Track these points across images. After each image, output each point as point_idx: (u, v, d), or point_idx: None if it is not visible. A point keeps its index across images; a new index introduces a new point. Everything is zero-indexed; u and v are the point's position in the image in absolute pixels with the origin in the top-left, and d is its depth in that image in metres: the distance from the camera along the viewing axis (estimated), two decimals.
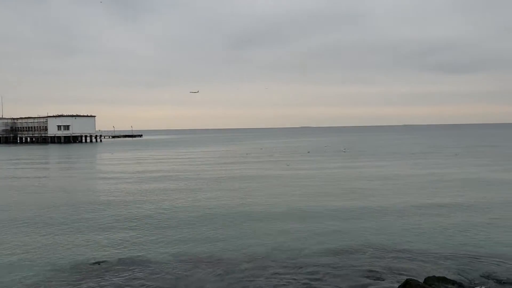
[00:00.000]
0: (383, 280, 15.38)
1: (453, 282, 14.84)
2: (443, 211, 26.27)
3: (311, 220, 24.45)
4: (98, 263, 17.63)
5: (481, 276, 15.58)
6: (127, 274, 16.38)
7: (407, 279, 13.64)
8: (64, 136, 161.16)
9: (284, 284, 15.25)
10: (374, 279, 15.47)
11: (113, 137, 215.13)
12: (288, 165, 57.85)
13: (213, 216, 25.84)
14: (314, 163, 61.30)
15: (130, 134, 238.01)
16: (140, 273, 16.52)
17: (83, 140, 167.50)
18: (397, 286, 13.70)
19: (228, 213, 26.76)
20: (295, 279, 15.71)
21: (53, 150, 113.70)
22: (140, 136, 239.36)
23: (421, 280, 14.61)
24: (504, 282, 14.94)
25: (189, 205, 29.65)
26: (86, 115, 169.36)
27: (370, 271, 16.31)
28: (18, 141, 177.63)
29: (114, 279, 15.89)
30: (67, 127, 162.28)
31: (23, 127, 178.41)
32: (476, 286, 14.54)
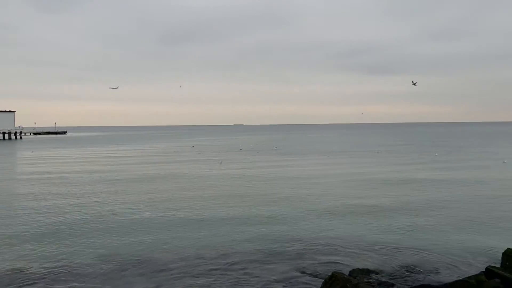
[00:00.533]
0: (310, 274, 15.87)
1: (376, 272, 15.67)
2: (366, 208, 27.53)
3: (239, 220, 24.54)
4: (20, 271, 16.59)
5: (401, 265, 16.55)
6: (51, 279, 15.59)
7: (333, 272, 14.14)
8: None
9: (213, 281, 15.28)
10: (301, 273, 15.92)
11: (35, 133, 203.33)
12: (220, 162, 57.84)
13: (135, 219, 25.06)
14: (246, 161, 61.72)
15: (53, 131, 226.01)
16: (65, 278, 15.80)
17: (1, 137, 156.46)
18: (324, 279, 14.16)
19: (152, 216, 26.22)
20: (224, 275, 15.79)
21: None
22: (65, 133, 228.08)
23: (347, 273, 15.26)
24: (420, 271, 15.98)
25: (110, 208, 28.67)
26: (4, 110, 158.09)
27: (297, 265, 16.75)
28: None
29: (39, 285, 15.06)
30: None
31: None
32: (395, 275, 15.43)
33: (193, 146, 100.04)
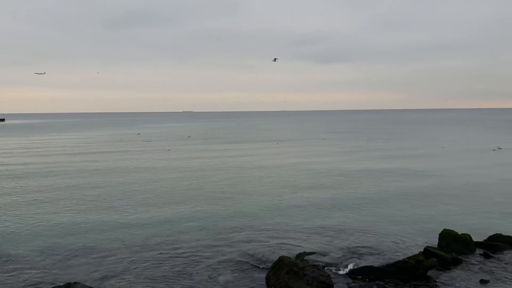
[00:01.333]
0: (258, 259, 16.00)
1: (322, 255, 16.08)
2: (311, 193, 28.14)
3: (186, 208, 24.38)
4: None
5: (346, 248, 17.05)
6: None
7: (280, 256, 14.36)
8: None
9: (160, 268, 15.12)
10: (249, 259, 16.04)
11: None
12: (168, 150, 57.03)
13: (79, 211, 24.32)
14: (194, 149, 61.21)
15: None
16: (4, 271, 15.07)
17: None
18: (271, 264, 14.34)
19: (97, 208, 25.59)
20: (171, 262, 15.66)
21: None
22: (2, 120, 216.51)
23: (294, 257, 15.54)
24: (363, 253, 16.53)
25: (52, 197, 27.70)
26: None
27: (246, 251, 16.88)
28: None
29: None
30: None
31: None
32: (340, 257, 15.88)
33: (138, 134, 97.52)
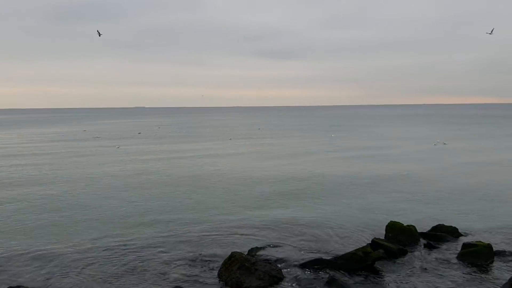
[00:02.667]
0: (210, 255, 15.98)
1: (274, 249, 16.24)
2: (262, 188, 28.38)
3: (135, 207, 23.88)
4: None
5: (297, 241, 17.32)
6: None
7: (232, 252, 14.38)
8: None
9: (109, 267, 14.79)
10: (201, 255, 15.98)
11: None
12: (118, 147, 55.74)
13: (23, 212, 23.35)
14: (145, 146, 60.17)
15: None
16: None
17: None
18: (223, 260, 14.33)
19: (42, 207, 24.68)
20: (120, 261, 15.35)
21: None
22: None
23: (245, 252, 15.60)
24: (314, 246, 16.86)
25: None
26: None
27: (197, 248, 16.80)
28: None
29: None
30: None
31: None
32: (292, 251, 16.10)
33: (84, 130, 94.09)
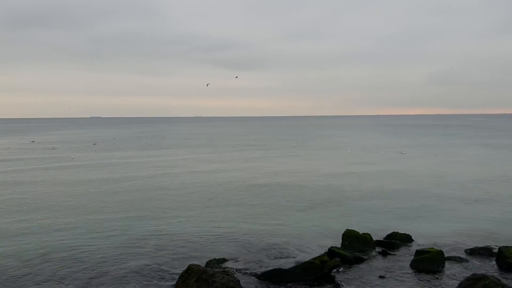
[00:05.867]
0: (167, 268, 15.69)
1: (232, 261, 16.12)
2: (218, 201, 28.23)
3: (90, 219, 23.25)
4: None
5: (255, 252, 17.29)
6: None
7: (189, 265, 14.14)
8: None
9: (62, 283, 14.19)
10: (158, 268, 15.65)
11: None
12: (73, 158, 54.08)
13: None
14: (101, 158, 58.69)
15: None
16: None
17: None
18: (180, 273, 14.07)
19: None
20: (74, 276, 14.78)
21: None
22: None
23: (203, 264, 15.38)
24: (272, 256, 16.85)
25: None
26: None
27: (154, 261, 16.45)
28: None
29: None
30: None
31: None
32: (250, 261, 16.02)
33: (33, 141, 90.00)
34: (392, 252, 17.12)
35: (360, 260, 16.03)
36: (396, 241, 17.94)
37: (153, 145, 77.36)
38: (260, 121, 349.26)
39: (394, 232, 18.92)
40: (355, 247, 16.97)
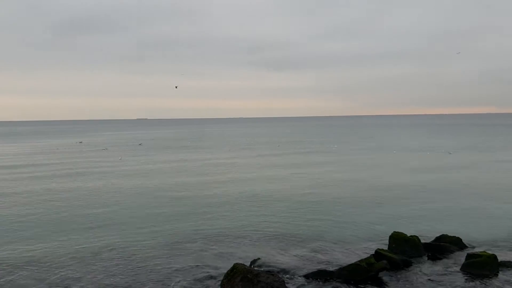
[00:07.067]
0: (212, 267, 15.89)
1: (276, 261, 16.12)
2: (267, 200, 28.30)
3: (139, 218, 23.85)
4: None
5: (300, 253, 17.20)
6: None
7: (234, 264, 14.27)
8: None
9: (112, 278, 14.68)
10: (204, 267, 15.89)
11: None
12: (120, 158, 55.76)
13: (25, 223, 23.32)
14: (147, 156, 60.19)
15: None
16: None
17: None
18: (226, 271, 14.22)
19: (45, 219, 24.64)
20: (123, 272, 15.24)
21: None
22: None
23: (248, 264, 15.49)
24: (317, 258, 16.74)
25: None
26: None
27: (200, 259, 16.70)
28: None
29: None
30: None
31: None
32: (295, 262, 15.97)
33: (80, 142, 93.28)
34: (441, 256, 16.59)
35: (407, 263, 15.64)
36: (445, 244, 17.36)
37: (195, 146, 78.55)
38: (299, 121, 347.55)
39: (443, 234, 18.31)
40: (403, 250, 16.56)
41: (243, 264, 14.31)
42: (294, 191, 30.78)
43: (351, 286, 13.86)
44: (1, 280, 14.69)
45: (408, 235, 17.29)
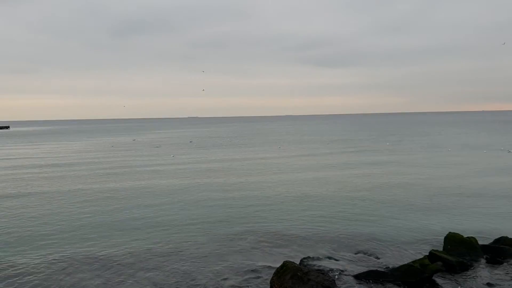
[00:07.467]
0: (262, 264, 15.97)
1: (326, 260, 15.98)
2: (315, 197, 28.06)
3: (190, 214, 24.39)
4: None
5: (350, 252, 16.95)
6: None
7: (284, 261, 14.28)
8: None
9: (164, 273, 15.09)
10: (253, 263, 16.00)
11: None
12: (173, 156, 57.16)
13: (82, 219, 24.49)
14: (197, 154, 61.33)
15: None
16: (5, 278, 15.08)
17: None
18: (275, 269, 14.27)
19: (100, 215, 25.65)
20: (175, 268, 15.62)
21: None
22: (7, 127, 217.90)
23: (298, 261, 15.47)
24: (368, 257, 16.44)
25: (54, 208, 27.78)
26: None
27: (249, 256, 16.83)
28: None
29: None
30: None
31: None
32: (345, 262, 15.78)
33: (134, 140, 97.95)
34: (501, 259, 15.81)
35: (464, 266, 15.03)
36: (505, 247, 16.50)
37: (244, 144, 79.13)
38: (349, 118, 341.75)
39: (503, 236, 17.42)
40: (459, 251, 15.93)
41: (293, 262, 14.30)
42: (345, 190, 30.36)
43: None
44: (66, 278, 15.41)
45: (465, 236, 16.63)
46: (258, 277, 14.73)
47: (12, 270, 15.75)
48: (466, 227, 19.70)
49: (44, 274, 15.38)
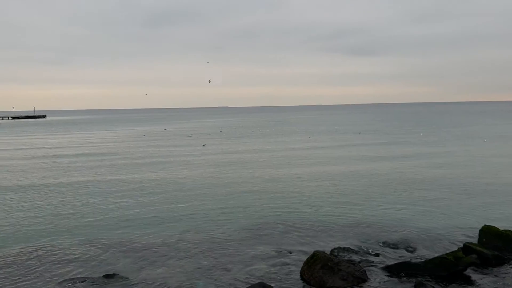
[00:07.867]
0: (292, 253, 16.02)
1: (357, 251, 15.88)
2: (345, 187, 27.84)
3: (222, 203, 24.60)
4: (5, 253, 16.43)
5: (382, 243, 16.81)
6: (31, 263, 15.47)
7: (314, 251, 14.29)
8: None
9: (196, 260, 15.34)
10: (284, 253, 16.06)
11: (13, 118, 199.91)
12: (203, 145, 57.72)
13: (116, 205, 25.09)
14: (227, 143, 61.73)
15: (32, 115, 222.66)
16: (47, 262, 15.68)
17: None
18: (306, 258, 14.29)
19: (133, 203, 26.21)
20: (206, 256, 15.86)
21: None
22: (44, 117, 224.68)
23: (328, 251, 15.44)
24: (400, 249, 16.26)
25: (89, 195, 28.51)
26: None
27: (280, 245, 16.90)
28: None
29: (17, 267, 14.92)
30: None
31: None
32: (376, 253, 15.66)
33: (165, 129, 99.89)
34: None
35: (500, 260, 14.65)
36: None
37: (275, 133, 79.05)
38: (380, 108, 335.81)
39: None
40: (494, 245, 15.55)
41: (324, 252, 14.29)
42: (377, 181, 29.98)
43: (437, 280, 13.29)
44: (101, 264, 15.90)
45: (501, 229, 16.20)
46: (289, 267, 14.78)
47: (52, 254, 16.35)
48: (502, 220, 19.19)
49: (81, 260, 15.90)
